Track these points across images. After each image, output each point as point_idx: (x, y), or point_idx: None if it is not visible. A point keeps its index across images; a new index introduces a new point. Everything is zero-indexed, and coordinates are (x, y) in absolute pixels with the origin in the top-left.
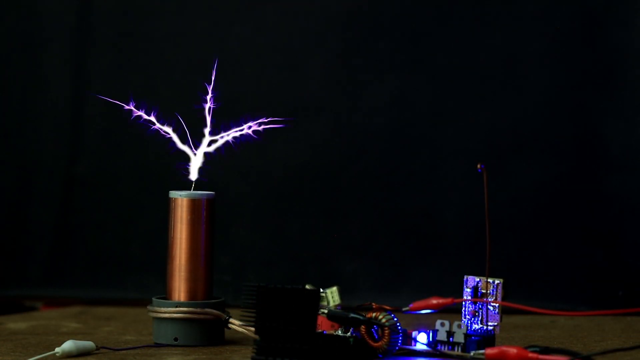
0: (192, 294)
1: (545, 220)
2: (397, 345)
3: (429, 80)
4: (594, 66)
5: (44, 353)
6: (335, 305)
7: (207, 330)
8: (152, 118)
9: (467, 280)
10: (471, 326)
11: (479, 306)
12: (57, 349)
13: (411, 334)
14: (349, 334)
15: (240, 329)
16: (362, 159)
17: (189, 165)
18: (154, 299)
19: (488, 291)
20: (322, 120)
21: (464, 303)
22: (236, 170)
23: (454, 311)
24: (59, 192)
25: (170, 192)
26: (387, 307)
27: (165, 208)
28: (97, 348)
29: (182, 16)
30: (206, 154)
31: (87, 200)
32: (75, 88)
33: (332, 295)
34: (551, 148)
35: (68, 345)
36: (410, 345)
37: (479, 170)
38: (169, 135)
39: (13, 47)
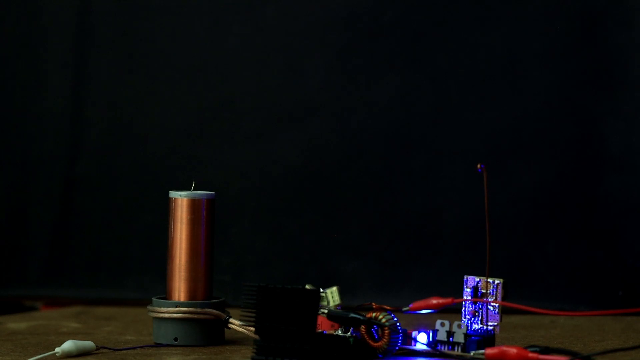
0: (192, 294)
1: (545, 220)
2: (397, 345)
3: (429, 80)
4: (594, 66)
5: (44, 353)
6: (335, 305)
7: (207, 330)
8: None
9: (467, 280)
10: (471, 326)
11: (479, 306)
12: (57, 349)
13: (411, 334)
14: (349, 334)
15: (240, 329)
16: (362, 159)
17: None
18: (154, 299)
19: (488, 291)
20: (322, 120)
21: (464, 303)
22: (236, 170)
23: (454, 311)
24: (59, 192)
25: (170, 192)
26: (387, 307)
27: (165, 208)
28: (97, 348)
29: (182, 16)
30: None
31: (87, 200)
32: (75, 88)
33: (332, 295)
34: (551, 148)
35: (68, 345)
36: (410, 345)
37: (479, 170)
38: None
39: (13, 47)
